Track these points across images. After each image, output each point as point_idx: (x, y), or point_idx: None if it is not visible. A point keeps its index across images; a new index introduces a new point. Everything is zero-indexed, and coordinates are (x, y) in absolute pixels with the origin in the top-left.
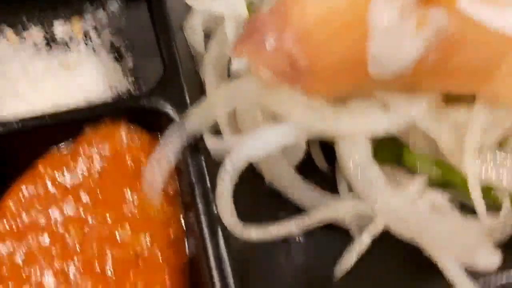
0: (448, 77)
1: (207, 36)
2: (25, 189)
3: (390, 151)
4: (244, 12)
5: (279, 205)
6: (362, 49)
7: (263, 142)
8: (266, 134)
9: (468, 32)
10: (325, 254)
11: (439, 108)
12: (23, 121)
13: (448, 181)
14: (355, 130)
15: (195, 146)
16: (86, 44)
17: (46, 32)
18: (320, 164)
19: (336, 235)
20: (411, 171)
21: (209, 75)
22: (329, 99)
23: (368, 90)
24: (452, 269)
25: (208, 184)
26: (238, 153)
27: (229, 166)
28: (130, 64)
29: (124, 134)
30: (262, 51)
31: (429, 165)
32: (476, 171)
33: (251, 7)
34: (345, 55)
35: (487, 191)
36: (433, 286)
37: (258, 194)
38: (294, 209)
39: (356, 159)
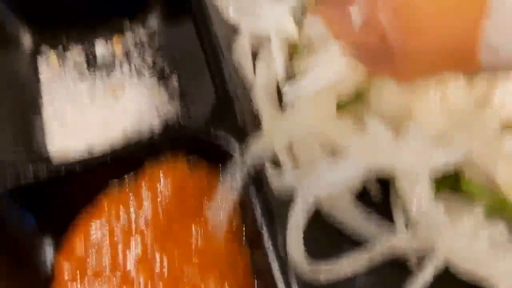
0: None
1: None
2: (90, 227)
3: (447, 177)
4: (292, 30)
5: (335, 239)
6: (475, 32)
7: (329, 180)
8: (331, 172)
9: None
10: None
11: (496, 138)
12: (84, 161)
13: (505, 213)
14: (416, 167)
15: (258, 180)
16: (129, 65)
17: (88, 54)
18: (375, 194)
19: (394, 269)
20: (468, 198)
21: (262, 103)
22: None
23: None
24: None
25: (275, 221)
26: (305, 193)
27: (299, 206)
28: (175, 85)
29: (184, 167)
30: (345, 19)
31: (487, 193)
32: None
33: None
34: (451, 36)
35: None
36: None
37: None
38: (349, 243)
39: (417, 196)
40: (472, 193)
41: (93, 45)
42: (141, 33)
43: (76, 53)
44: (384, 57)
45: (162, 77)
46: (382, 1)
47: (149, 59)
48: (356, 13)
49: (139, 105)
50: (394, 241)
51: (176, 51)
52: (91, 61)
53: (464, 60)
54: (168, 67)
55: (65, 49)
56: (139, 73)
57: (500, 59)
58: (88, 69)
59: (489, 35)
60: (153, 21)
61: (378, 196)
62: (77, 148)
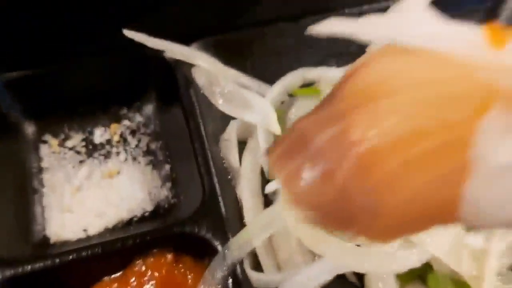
0: None
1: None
2: None
3: (415, 271)
4: (275, 124)
5: None
6: (454, 188)
7: (305, 280)
8: (307, 273)
9: None
10: None
11: (460, 237)
12: (76, 251)
13: None
14: (383, 270)
15: (237, 277)
16: (125, 150)
17: (86, 139)
18: (352, 280)
19: None
20: None
21: (245, 195)
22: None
23: None
24: None
25: None
26: None
27: None
28: (167, 170)
29: (170, 262)
30: (305, 180)
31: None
32: None
33: (280, 111)
34: (423, 193)
35: None
36: None
37: None
38: None
39: None
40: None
41: (92, 133)
42: (137, 120)
43: (76, 141)
44: (348, 219)
45: (155, 163)
46: (348, 157)
47: (143, 145)
48: (314, 170)
49: (132, 190)
50: None
51: (169, 138)
52: (89, 148)
53: (442, 215)
54: (161, 154)
55: (66, 137)
56: (133, 159)
57: (489, 218)
58: (87, 155)
59: (473, 196)
60: (148, 109)
61: (356, 281)
62: (74, 234)
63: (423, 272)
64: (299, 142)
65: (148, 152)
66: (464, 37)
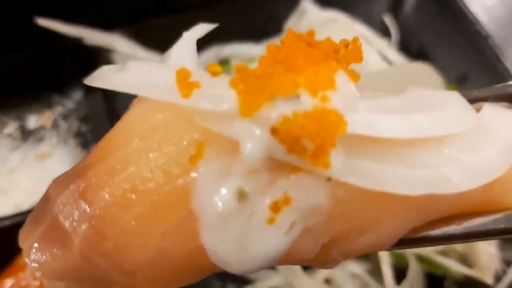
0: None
1: None
2: (7, 282)
3: None
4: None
5: (221, 274)
6: (195, 239)
7: None
8: None
9: (363, 204)
10: None
11: None
12: (1, 220)
13: None
14: None
15: None
16: (57, 134)
17: (21, 126)
18: None
19: None
20: None
21: None
22: None
23: None
24: None
25: None
26: None
27: None
28: None
29: None
30: (48, 253)
31: None
32: None
33: None
34: (167, 246)
35: (399, 257)
36: None
37: None
38: (235, 278)
39: None
40: None
41: (25, 119)
42: (68, 106)
43: (12, 128)
44: (108, 283)
45: (85, 144)
46: (85, 223)
47: (75, 129)
48: (61, 242)
49: (64, 169)
50: (269, 282)
51: (96, 120)
52: (24, 133)
53: (201, 266)
54: (90, 136)
55: (3, 124)
56: (65, 141)
57: (237, 265)
58: (22, 140)
59: (211, 249)
60: (78, 95)
61: None
62: (7, 209)
63: None
64: (44, 209)
65: (78, 134)
66: (163, 84)
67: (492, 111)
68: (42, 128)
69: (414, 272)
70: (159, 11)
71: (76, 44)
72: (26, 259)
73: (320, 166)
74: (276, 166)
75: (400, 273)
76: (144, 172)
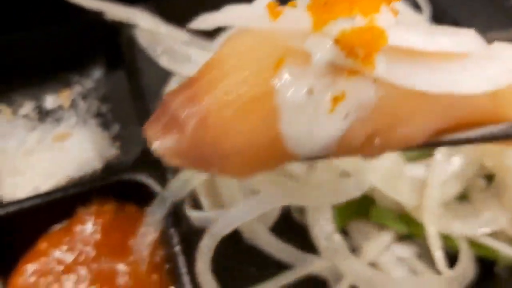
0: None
1: None
2: (29, 267)
3: (360, 206)
4: None
5: (260, 260)
6: (275, 128)
7: (240, 214)
8: (243, 206)
9: (400, 101)
10: None
11: (399, 166)
12: (20, 202)
13: (414, 234)
14: (320, 202)
15: (177, 216)
16: (76, 114)
17: (38, 106)
18: (300, 219)
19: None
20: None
21: None
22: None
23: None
24: None
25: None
26: (218, 226)
27: (208, 240)
28: (116, 130)
29: (111, 209)
30: (166, 138)
31: (395, 220)
32: (435, 225)
33: None
34: (254, 135)
35: (449, 241)
36: None
37: (239, 250)
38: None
39: (321, 228)
40: (381, 222)
41: (43, 100)
42: (88, 85)
43: (28, 108)
44: (206, 161)
45: (105, 124)
46: (192, 113)
47: (93, 107)
48: (172, 126)
49: (83, 151)
50: (310, 267)
51: (117, 99)
52: (42, 114)
53: (278, 153)
54: (110, 115)
55: (19, 105)
56: (84, 121)
57: (305, 148)
58: (39, 121)
59: (287, 131)
60: (97, 73)
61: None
62: (27, 194)
63: (366, 208)
64: (163, 109)
65: (98, 114)
66: (258, 15)
67: (501, 46)
68: (60, 108)
69: (467, 256)
70: None
71: (96, 20)
72: (152, 143)
73: (368, 67)
74: (336, 71)
75: (449, 258)
76: (239, 79)
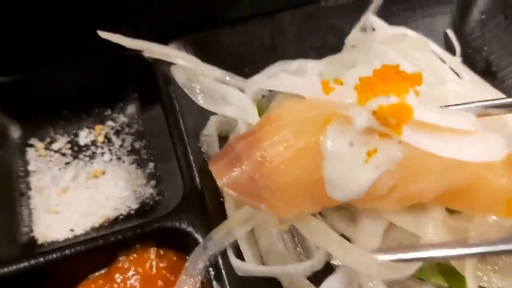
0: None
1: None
2: None
3: None
4: (254, 117)
5: None
6: (318, 172)
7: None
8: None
9: (418, 160)
10: None
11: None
12: (61, 249)
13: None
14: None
15: (218, 267)
16: (109, 151)
17: (72, 143)
18: None
19: None
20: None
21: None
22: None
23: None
24: None
25: None
26: None
27: None
28: (151, 168)
29: (153, 257)
30: (228, 172)
31: (435, 273)
32: (476, 278)
33: (261, 103)
34: (301, 176)
35: None
36: None
37: None
38: None
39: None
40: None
41: (77, 135)
42: (121, 120)
43: (61, 143)
44: (257, 195)
45: (139, 161)
46: (252, 156)
47: (127, 145)
48: (233, 164)
49: (119, 189)
50: None
51: (152, 136)
52: (75, 150)
53: (318, 194)
54: (144, 152)
55: (52, 140)
56: (118, 159)
57: (342, 192)
58: (73, 157)
59: (328, 176)
60: (131, 109)
61: None
62: (61, 234)
63: None
64: (227, 150)
65: (132, 151)
66: (314, 88)
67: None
68: (93, 144)
69: None
70: (214, 23)
71: (131, 55)
72: (216, 177)
73: (396, 133)
74: (371, 132)
75: None
76: (293, 131)
